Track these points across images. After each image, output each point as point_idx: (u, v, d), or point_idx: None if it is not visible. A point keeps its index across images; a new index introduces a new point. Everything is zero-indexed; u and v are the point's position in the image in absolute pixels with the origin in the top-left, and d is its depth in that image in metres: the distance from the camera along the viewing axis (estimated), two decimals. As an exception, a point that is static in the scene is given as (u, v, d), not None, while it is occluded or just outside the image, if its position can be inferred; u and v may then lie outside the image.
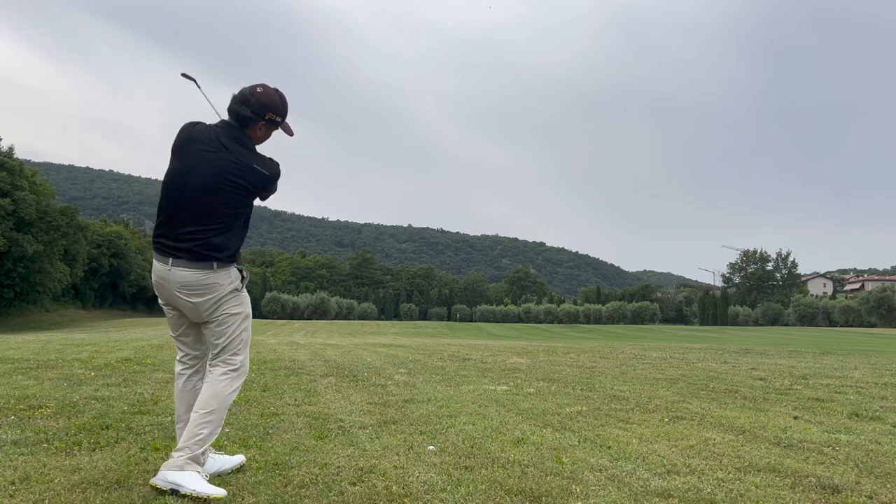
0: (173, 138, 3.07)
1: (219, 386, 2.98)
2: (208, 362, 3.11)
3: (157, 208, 3.06)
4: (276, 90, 3.08)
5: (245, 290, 3.13)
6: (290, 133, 3.17)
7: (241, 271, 3.09)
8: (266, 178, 3.05)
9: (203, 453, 2.87)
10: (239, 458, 3.19)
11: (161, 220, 3.04)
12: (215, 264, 2.96)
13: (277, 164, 3.12)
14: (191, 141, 3.03)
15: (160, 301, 3.12)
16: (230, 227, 2.99)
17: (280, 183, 3.16)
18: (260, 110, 3.02)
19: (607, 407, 5.26)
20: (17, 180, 45.14)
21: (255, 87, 3.04)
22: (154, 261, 3.04)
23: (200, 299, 2.97)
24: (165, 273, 2.97)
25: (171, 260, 2.95)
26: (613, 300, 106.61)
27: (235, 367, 3.04)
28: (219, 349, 3.06)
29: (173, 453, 2.85)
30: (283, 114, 3.10)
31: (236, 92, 3.06)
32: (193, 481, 2.72)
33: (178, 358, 3.23)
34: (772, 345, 21.53)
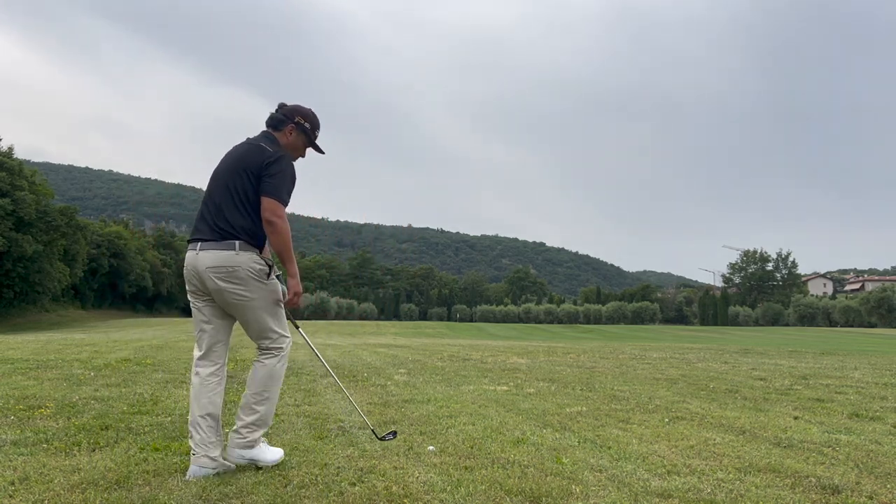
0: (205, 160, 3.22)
1: (268, 363, 3.19)
2: (257, 350, 3.24)
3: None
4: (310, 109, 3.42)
5: (274, 278, 3.19)
6: (320, 150, 3.43)
7: (267, 262, 3.15)
8: (266, 153, 3.11)
9: (265, 432, 3.21)
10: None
11: (195, 218, 3.28)
12: (238, 244, 3.07)
13: (288, 158, 3.18)
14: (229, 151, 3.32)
15: (189, 293, 3.23)
16: (247, 208, 3.10)
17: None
18: (290, 114, 3.30)
19: (607, 407, 5.26)
20: (16, 180, 45.12)
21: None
22: (186, 253, 3.24)
23: (225, 284, 3.06)
24: (193, 258, 3.12)
25: (199, 244, 3.12)
26: (613, 300, 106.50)
27: (282, 347, 3.23)
28: (256, 337, 3.21)
29: (236, 433, 3.10)
30: (314, 122, 3.35)
31: None
32: (266, 455, 3.14)
33: (198, 356, 3.22)
34: (772, 345, 21.52)
